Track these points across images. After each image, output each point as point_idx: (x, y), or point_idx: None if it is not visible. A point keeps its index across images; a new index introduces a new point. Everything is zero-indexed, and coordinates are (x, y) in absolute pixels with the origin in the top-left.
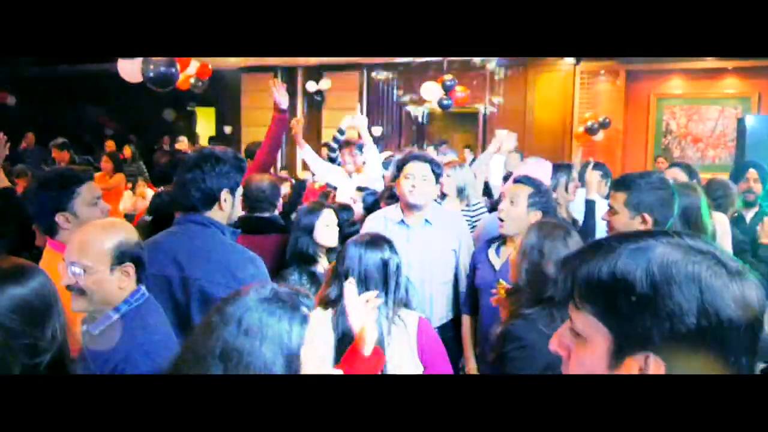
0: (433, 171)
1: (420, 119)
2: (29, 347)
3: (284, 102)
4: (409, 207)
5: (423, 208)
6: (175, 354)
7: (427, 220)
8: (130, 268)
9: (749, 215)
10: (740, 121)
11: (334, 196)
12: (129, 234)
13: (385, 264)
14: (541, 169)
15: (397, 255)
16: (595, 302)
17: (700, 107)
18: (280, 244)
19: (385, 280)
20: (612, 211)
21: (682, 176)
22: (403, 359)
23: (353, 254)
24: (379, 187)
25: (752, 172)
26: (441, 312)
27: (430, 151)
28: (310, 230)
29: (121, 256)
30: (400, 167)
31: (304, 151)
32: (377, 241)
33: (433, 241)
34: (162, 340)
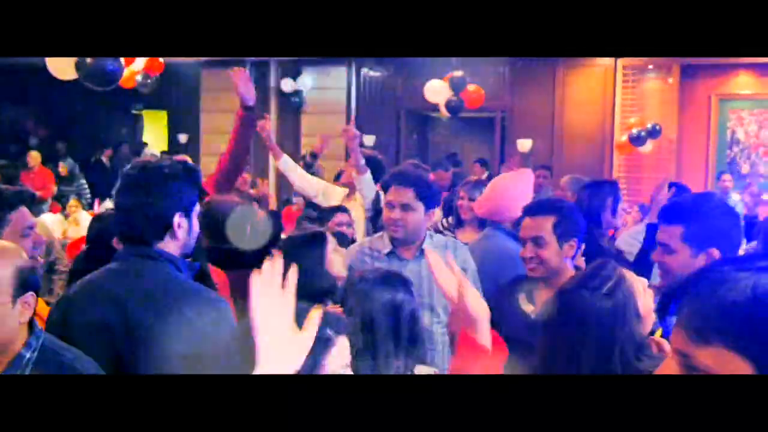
0: (419, 196)
1: None
2: None
3: (250, 96)
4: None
5: (415, 240)
6: None
7: (422, 252)
8: (31, 298)
9: None
10: None
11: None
12: (24, 258)
13: (396, 308)
14: (521, 180)
15: (413, 299)
16: (731, 332)
17: None
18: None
19: (395, 328)
20: (665, 249)
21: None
22: None
23: (358, 293)
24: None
25: None
26: (446, 362)
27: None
28: (320, 262)
29: (23, 285)
30: (384, 191)
31: (283, 163)
32: (390, 279)
33: (431, 276)
34: (89, 366)
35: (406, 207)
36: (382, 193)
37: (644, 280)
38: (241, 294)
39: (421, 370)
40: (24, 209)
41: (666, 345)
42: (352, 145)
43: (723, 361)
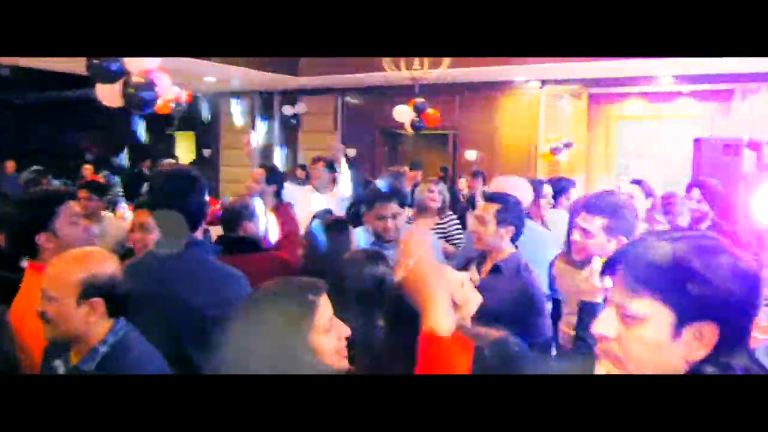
0: (402, 205)
1: None
2: None
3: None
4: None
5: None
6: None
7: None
8: (98, 304)
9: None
10: (695, 142)
11: None
12: (102, 267)
13: (381, 281)
14: (517, 187)
15: (391, 271)
16: (655, 285)
17: (658, 128)
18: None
19: (380, 298)
20: (586, 233)
21: (638, 193)
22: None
23: (349, 272)
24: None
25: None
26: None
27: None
28: (347, 244)
29: (89, 291)
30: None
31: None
32: (373, 257)
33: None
34: (163, 363)
35: (395, 216)
36: None
37: (464, 275)
38: None
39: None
40: (71, 202)
41: None
42: (338, 155)
43: (650, 308)
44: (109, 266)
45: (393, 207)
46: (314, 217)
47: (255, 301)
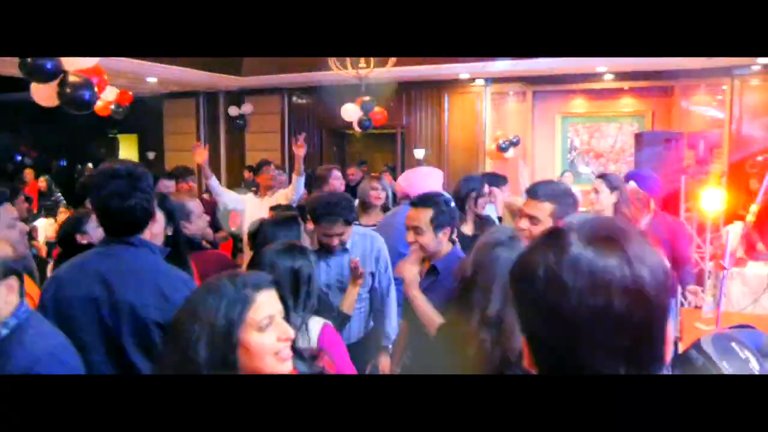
0: (349, 222)
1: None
2: None
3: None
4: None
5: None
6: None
7: (344, 248)
8: (13, 281)
9: None
10: (637, 137)
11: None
12: (7, 248)
13: (296, 272)
14: (430, 177)
15: (310, 263)
16: None
17: (601, 125)
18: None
19: (295, 289)
20: (535, 220)
21: (603, 187)
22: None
23: (266, 262)
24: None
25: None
26: (356, 330)
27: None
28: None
29: (3, 271)
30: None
31: (211, 181)
32: (290, 249)
33: (348, 264)
34: (64, 343)
35: (342, 234)
36: None
37: None
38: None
39: (312, 320)
40: (7, 204)
41: None
42: (300, 155)
43: None
44: (7, 248)
45: (339, 227)
46: (272, 207)
47: (196, 291)
